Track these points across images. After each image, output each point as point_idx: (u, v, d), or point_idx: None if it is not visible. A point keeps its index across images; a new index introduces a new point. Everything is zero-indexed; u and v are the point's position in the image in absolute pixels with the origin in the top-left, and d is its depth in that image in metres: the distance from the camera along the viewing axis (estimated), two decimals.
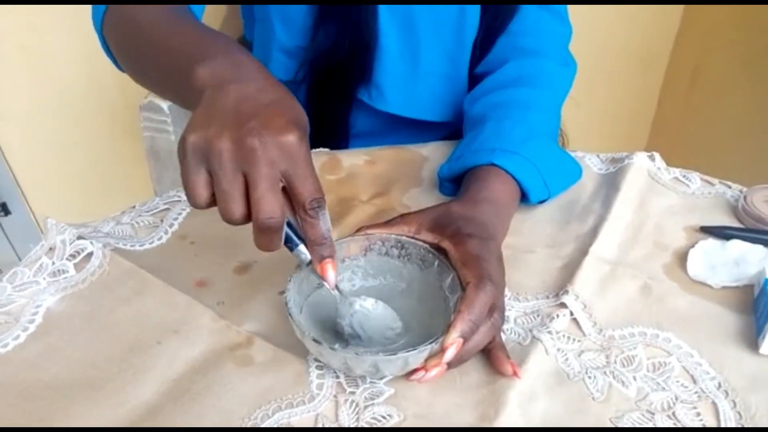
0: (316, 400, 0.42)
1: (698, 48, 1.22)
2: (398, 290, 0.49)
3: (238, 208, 0.37)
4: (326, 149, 0.68)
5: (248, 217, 0.38)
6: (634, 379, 0.44)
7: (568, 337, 0.47)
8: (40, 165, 1.42)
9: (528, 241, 0.56)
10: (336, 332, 0.45)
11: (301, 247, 0.42)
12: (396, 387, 0.43)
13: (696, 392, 0.43)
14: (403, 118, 0.73)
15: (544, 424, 0.41)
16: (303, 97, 0.72)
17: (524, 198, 0.57)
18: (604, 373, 0.44)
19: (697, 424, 0.41)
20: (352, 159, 0.67)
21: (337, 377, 0.44)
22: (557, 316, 0.48)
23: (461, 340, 0.41)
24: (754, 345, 0.46)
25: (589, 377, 0.44)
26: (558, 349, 0.46)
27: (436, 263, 0.47)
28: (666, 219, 0.58)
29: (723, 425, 0.41)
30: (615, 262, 0.53)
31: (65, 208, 1.49)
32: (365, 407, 0.42)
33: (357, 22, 0.65)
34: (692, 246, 0.54)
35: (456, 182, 0.59)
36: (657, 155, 0.65)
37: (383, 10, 0.66)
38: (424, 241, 0.48)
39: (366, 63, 0.68)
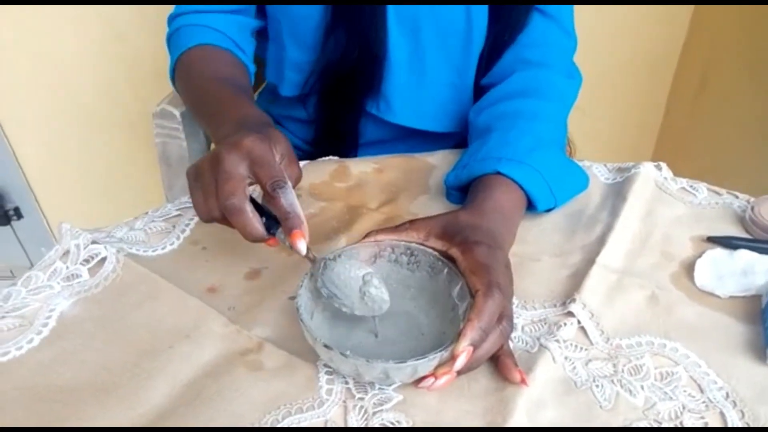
0: (326, 405, 0.43)
1: (705, 56, 1.22)
2: (407, 297, 0.49)
3: (212, 201, 0.46)
4: (335, 157, 0.69)
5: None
6: (642, 388, 0.44)
7: (576, 346, 0.47)
8: (53, 170, 1.44)
9: (534, 250, 0.56)
10: (347, 336, 0.46)
11: (280, 231, 0.46)
12: (405, 393, 0.43)
13: (704, 402, 0.43)
14: (410, 129, 0.74)
15: None
16: (312, 108, 0.73)
17: (531, 206, 0.57)
18: (612, 381, 0.45)
19: None
20: (361, 167, 0.68)
21: (347, 383, 0.44)
22: (564, 324, 0.48)
23: (471, 348, 0.41)
24: (762, 355, 0.46)
25: (597, 386, 0.44)
26: (565, 358, 0.46)
27: (446, 271, 0.47)
28: (673, 229, 0.59)
29: None
30: (622, 271, 0.53)
31: (77, 213, 1.51)
32: (374, 413, 0.42)
33: (366, 33, 0.66)
34: (699, 256, 0.55)
35: (462, 190, 0.60)
36: (664, 165, 0.65)
37: (392, 21, 0.67)
38: (433, 248, 0.48)
39: (374, 74, 0.69)
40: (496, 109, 0.64)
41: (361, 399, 0.43)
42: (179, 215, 0.59)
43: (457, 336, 0.42)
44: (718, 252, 0.55)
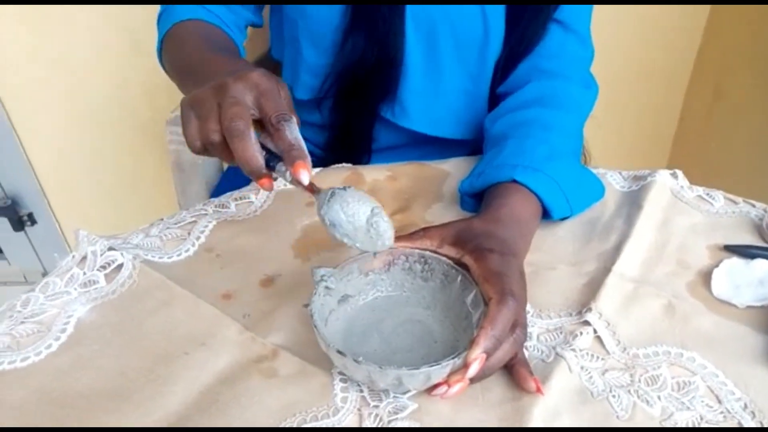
0: (341, 413, 0.43)
1: (720, 64, 1.22)
2: (421, 305, 0.49)
3: (213, 125, 0.45)
4: (348, 164, 0.69)
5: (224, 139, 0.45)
6: (659, 398, 0.44)
7: (592, 355, 0.47)
8: (67, 176, 1.45)
9: (550, 258, 0.56)
10: (360, 344, 0.46)
11: (280, 164, 0.45)
12: (419, 402, 0.43)
13: (722, 412, 0.43)
14: (424, 135, 0.74)
15: None
16: (327, 112, 0.74)
17: (546, 215, 0.57)
18: (629, 391, 0.44)
19: None
20: (374, 174, 0.68)
21: (361, 391, 0.44)
22: (580, 333, 0.48)
23: (484, 356, 0.41)
24: None
25: (614, 396, 0.44)
26: (582, 367, 0.46)
27: (459, 278, 0.47)
28: (689, 237, 0.58)
29: None
30: (638, 280, 0.53)
31: (90, 219, 1.52)
32: (389, 421, 0.42)
33: (384, 37, 0.66)
34: (716, 265, 0.54)
35: (477, 198, 0.60)
36: (680, 173, 0.65)
37: (409, 27, 0.67)
38: (447, 256, 0.48)
39: (390, 79, 0.69)
40: (512, 117, 0.64)
41: (376, 407, 0.43)
42: (194, 222, 0.60)
43: (470, 344, 0.41)
44: (735, 261, 0.54)
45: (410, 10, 0.66)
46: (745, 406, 0.43)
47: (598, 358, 0.47)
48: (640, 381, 0.45)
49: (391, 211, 0.63)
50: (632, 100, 1.33)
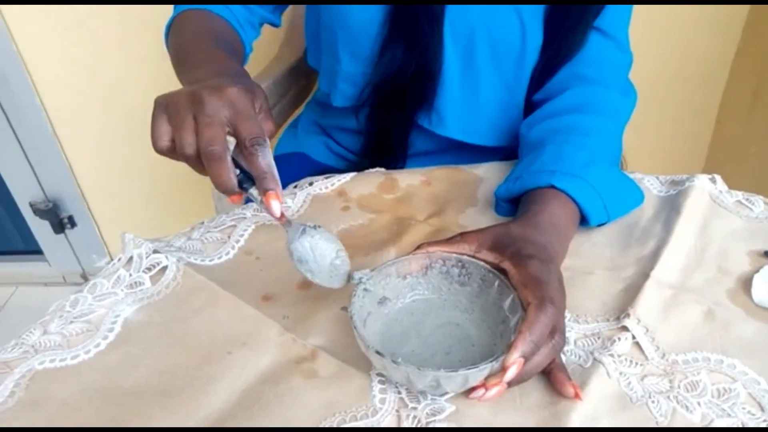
0: (379, 414, 0.43)
1: (759, 67, 1.19)
2: (458, 308, 0.50)
3: (189, 138, 0.45)
4: (382, 169, 0.70)
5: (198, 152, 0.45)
6: (699, 404, 0.43)
7: (631, 361, 0.47)
8: (106, 181, 1.50)
9: (587, 264, 0.56)
10: (399, 346, 0.47)
11: (252, 190, 0.46)
12: (457, 404, 0.44)
13: (765, 420, 0.42)
14: (459, 141, 0.74)
15: None
16: (364, 119, 0.75)
17: (584, 221, 0.57)
18: (668, 397, 0.44)
19: None
20: (408, 179, 0.69)
21: (399, 393, 0.45)
22: (618, 339, 0.48)
23: (522, 360, 0.42)
24: None
25: (653, 401, 0.44)
26: (620, 373, 0.46)
27: (497, 283, 0.48)
28: (729, 243, 0.57)
29: None
30: (677, 286, 0.53)
31: (127, 222, 1.56)
32: (427, 423, 0.43)
33: (423, 49, 0.67)
34: (756, 271, 0.54)
35: (513, 203, 0.60)
36: (718, 178, 0.64)
37: (448, 39, 0.67)
38: (484, 261, 0.49)
39: (428, 89, 0.70)
40: (550, 123, 0.64)
41: (414, 409, 0.44)
42: (233, 226, 0.61)
43: (508, 348, 0.42)
44: None
45: (449, 21, 0.67)
46: None
47: (636, 363, 0.46)
48: (679, 387, 0.45)
49: (426, 215, 0.63)
50: (668, 103, 1.31)
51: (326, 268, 0.48)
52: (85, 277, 1.66)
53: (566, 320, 0.49)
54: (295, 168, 0.82)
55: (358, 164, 0.72)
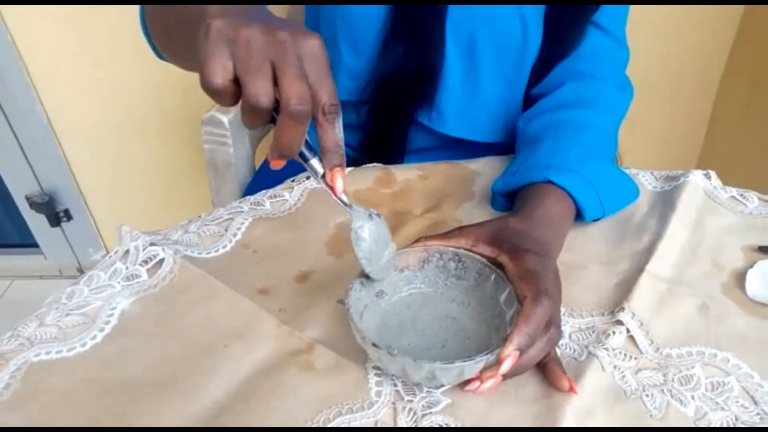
0: (375, 406, 0.44)
1: (754, 63, 1.20)
2: (455, 302, 0.50)
3: (266, 88, 0.37)
4: (379, 164, 0.70)
5: (275, 104, 0.38)
6: (693, 398, 0.44)
7: (625, 355, 0.47)
8: (102, 174, 1.49)
9: (581, 258, 0.56)
10: (395, 339, 0.47)
11: (314, 161, 0.42)
12: (453, 397, 0.44)
13: (758, 414, 0.43)
14: (457, 138, 0.74)
15: None
16: (364, 116, 0.74)
17: (578, 216, 0.57)
18: (662, 391, 0.44)
19: None
20: (405, 174, 0.69)
21: (395, 385, 0.45)
22: (613, 333, 0.48)
23: (517, 353, 0.42)
24: None
25: (647, 395, 0.44)
26: (614, 366, 0.46)
27: (493, 277, 0.48)
28: (723, 238, 0.58)
29: None
30: (672, 280, 0.53)
31: (124, 216, 1.56)
32: (423, 415, 0.43)
33: (425, 47, 0.67)
34: (750, 266, 0.54)
35: (509, 197, 0.60)
36: (713, 174, 0.64)
37: (450, 37, 0.67)
38: (482, 254, 0.49)
39: (429, 87, 0.70)
40: (547, 118, 0.64)
41: (410, 401, 0.44)
42: (230, 219, 0.61)
43: (504, 340, 0.42)
44: None
45: (451, 19, 0.67)
46: None
47: (631, 357, 0.47)
48: (673, 381, 0.45)
49: (423, 209, 0.64)
50: (663, 100, 1.32)
51: (382, 262, 0.47)
52: (81, 271, 1.66)
53: (561, 314, 0.50)
54: (292, 162, 0.82)
55: (357, 160, 0.72)
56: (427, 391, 0.44)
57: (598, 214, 0.58)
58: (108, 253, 0.56)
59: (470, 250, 0.49)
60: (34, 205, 1.51)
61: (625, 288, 0.52)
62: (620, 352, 0.47)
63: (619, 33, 0.70)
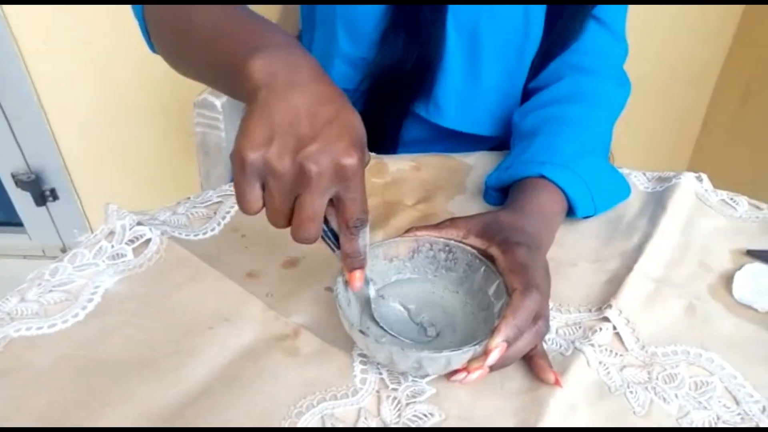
0: (359, 394, 0.43)
1: (749, 69, 1.20)
2: (444, 293, 0.50)
3: (283, 222, 0.40)
4: (373, 153, 0.70)
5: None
6: (676, 396, 0.44)
7: (611, 351, 0.47)
8: (90, 154, 1.47)
9: (571, 254, 0.56)
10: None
11: (338, 252, 0.44)
12: (438, 387, 0.44)
13: (739, 414, 0.43)
14: (453, 130, 0.74)
15: None
16: (360, 106, 0.74)
17: (570, 212, 0.57)
18: (646, 388, 0.44)
19: None
20: (398, 164, 0.68)
21: (380, 373, 0.45)
22: (600, 329, 0.48)
23: (505, 345, 0.42)
24: None
25: (631, 392, 0.44)
26: (600, 362, 0.46)
27: (482, 269, 0.48)
28: (712, 241, 0.58)
29: None
30: (660, 280, 0.53)
31: (111, 197, 1.53)
32: (407, 404, 0.43)
33: (425, 39, 0.66)
34: (738, 269, 0.54)
35: (502, 191, 0.60)
36: (705, 177, 0.65)
37: (451, 30, 0.66)
38: (472, 246, 0.49)
39: (428, 79, 0.69)
40: (543, 112, 0.64)
41: (395, 390, 0.44)
42: (220, 202, 0.61)
43: (492, 332, 0.42)
44: (758, 266, 0.54)
45: (452, 12, 0.66)
46: (764, 409, 0.43)
47: (616, 354, 0.47)
48: (657, 378, 0.45)
49: (414, 200, 0.63)
50: (657, 101, 1.32)
51: (410, 324, 0.48)
52: (65, 251, 1.63)
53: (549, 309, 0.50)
54: None
55: None
56: (412, 381, 0.44)
57: (590, 211, 0.58)
58: (93, 234, 0.55)
59: (461, 242, 0.49)
60: (19, 183, 1.49)
61: (613, 286, 0.52)
62: (606, 349, 0.47)
63: (619, 28, 0.70)
